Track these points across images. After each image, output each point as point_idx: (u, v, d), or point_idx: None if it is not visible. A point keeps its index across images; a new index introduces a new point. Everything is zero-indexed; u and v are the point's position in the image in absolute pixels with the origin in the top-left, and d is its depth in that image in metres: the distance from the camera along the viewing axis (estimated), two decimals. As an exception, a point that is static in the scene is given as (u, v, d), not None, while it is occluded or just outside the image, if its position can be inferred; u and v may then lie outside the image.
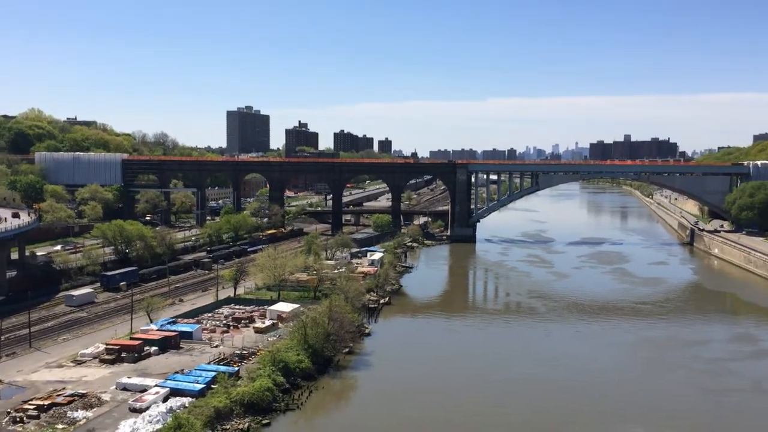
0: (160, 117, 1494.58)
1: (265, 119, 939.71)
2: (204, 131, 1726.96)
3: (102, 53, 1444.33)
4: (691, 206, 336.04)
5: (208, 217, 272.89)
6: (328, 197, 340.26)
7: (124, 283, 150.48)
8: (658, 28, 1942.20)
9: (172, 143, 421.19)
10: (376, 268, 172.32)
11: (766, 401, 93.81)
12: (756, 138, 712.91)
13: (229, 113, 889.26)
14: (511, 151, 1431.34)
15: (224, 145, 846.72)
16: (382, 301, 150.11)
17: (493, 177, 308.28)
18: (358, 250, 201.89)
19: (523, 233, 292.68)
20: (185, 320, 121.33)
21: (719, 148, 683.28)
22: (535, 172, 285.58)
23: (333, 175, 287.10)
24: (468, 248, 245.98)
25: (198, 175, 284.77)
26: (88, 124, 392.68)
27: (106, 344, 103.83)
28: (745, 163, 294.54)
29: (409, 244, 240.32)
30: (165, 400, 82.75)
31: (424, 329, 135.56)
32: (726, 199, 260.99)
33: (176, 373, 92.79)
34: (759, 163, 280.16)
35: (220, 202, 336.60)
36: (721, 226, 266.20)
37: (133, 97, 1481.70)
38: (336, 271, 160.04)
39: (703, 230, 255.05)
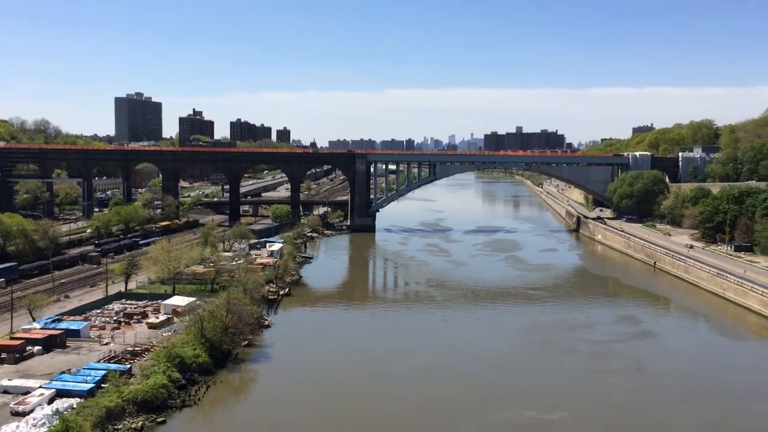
0: (40, 103, 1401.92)
1: (157, 107, 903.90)
2: (90, 119, 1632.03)
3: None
4: (578, 195, 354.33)
5: (95, 209, 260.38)
6: (225, 187, 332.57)
7: (2, 279, 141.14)
8: (545, 23, 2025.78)
9: (54, 131, 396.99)
10: (275, 259, 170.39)
11: (647, 381, 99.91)
12: (635, 130, 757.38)
13: (118, 100, 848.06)
14: (410, 142, 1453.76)
15: (112, 133, 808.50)
16: (281, 292, 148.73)
17: (392, 167, 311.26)
18: (256, 241, 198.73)
19: (421, 222, 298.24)
20: (72, 317, 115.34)
21: (602, 139, 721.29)
22: (433, 162, 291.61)
23: (230, 164, 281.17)
24: (368, 238, 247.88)
25: (84, 165, 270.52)
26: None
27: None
28: (625, 154, 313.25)
29: (309, 234, 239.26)
30: (51, 401, 78.53)
31: (325, 320, 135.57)
32: (608, 188, 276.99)
33: (63, 373, 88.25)
34: (637, 154, 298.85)
35: (109, 192, 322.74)
36: (601, 210, 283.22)
37: (9, 82, 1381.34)
38: (234, 262, 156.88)
39: (587, 218, 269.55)
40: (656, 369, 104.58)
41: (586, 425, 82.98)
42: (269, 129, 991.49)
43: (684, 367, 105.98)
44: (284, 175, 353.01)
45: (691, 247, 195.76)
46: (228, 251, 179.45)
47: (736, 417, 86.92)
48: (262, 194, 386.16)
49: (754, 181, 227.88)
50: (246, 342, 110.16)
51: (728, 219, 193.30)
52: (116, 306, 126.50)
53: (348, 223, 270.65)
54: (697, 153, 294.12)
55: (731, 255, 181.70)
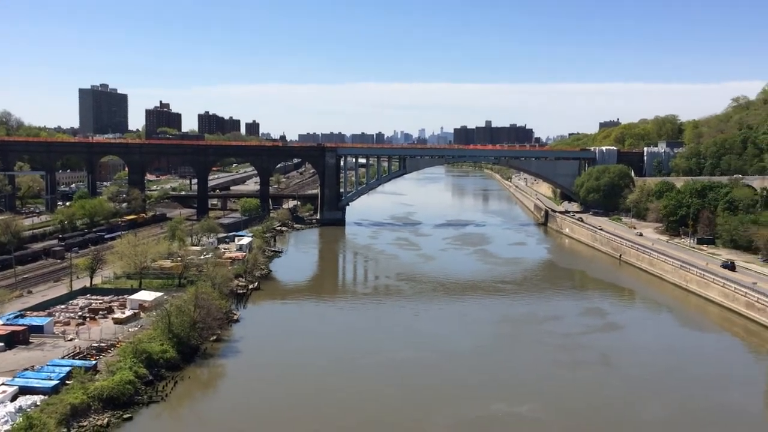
0: (1, 94, 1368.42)
1: (123, 98, 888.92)
2: (54, 110, 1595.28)
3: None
4: (545, 189, 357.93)
5: (59, 203, 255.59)
6: (193, 181, 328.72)
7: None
8: (513, 19, 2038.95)
9: (16, 122, 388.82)
10: (244, 254, 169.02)
11: (614, 372, 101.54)
12: (601, 125, 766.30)
13: (82, 91, 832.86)
14: (380, 135, 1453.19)
15: (77, 125, 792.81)
16: (251, 286, 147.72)
17: (362, 160, 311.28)
18: (225, 235, 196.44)
19: (391, 216, 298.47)
20: (35, 313, 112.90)
21: (570, 134, 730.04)
22: (403, 156, 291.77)
23: (198, 157, 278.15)
24: (337, 232, 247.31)
25: (47, 157, 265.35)
26: None
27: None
28: (592, 148, 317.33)
29: (279, 228, 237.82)
30: (14, 399, 77.01)
31: (294, 314, 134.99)
32: (575, 182, 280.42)
33: (26, 369, 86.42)
34: (604, 148, 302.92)
35: (73, 186, 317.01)
36: (569, 204, 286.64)
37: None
38: (202, 257, 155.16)
39: (555, 212, 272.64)
40: (623, 360, 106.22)
41: (555, 417, 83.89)
42: (238, 122, 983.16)
43: (649, 359, 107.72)
44: (253, 168, 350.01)
45: (641, 234, 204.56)
46: (196, 245, 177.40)
47: (701, 407, 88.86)
48: (231, 188, 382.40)
49: (740, 176, 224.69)
50: (214, 337, 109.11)
51: (691, 212, 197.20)
52: (81, 301, 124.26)
53: (318, 217, 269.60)
54: (662, 148, 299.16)
55: (694, 248, 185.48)
